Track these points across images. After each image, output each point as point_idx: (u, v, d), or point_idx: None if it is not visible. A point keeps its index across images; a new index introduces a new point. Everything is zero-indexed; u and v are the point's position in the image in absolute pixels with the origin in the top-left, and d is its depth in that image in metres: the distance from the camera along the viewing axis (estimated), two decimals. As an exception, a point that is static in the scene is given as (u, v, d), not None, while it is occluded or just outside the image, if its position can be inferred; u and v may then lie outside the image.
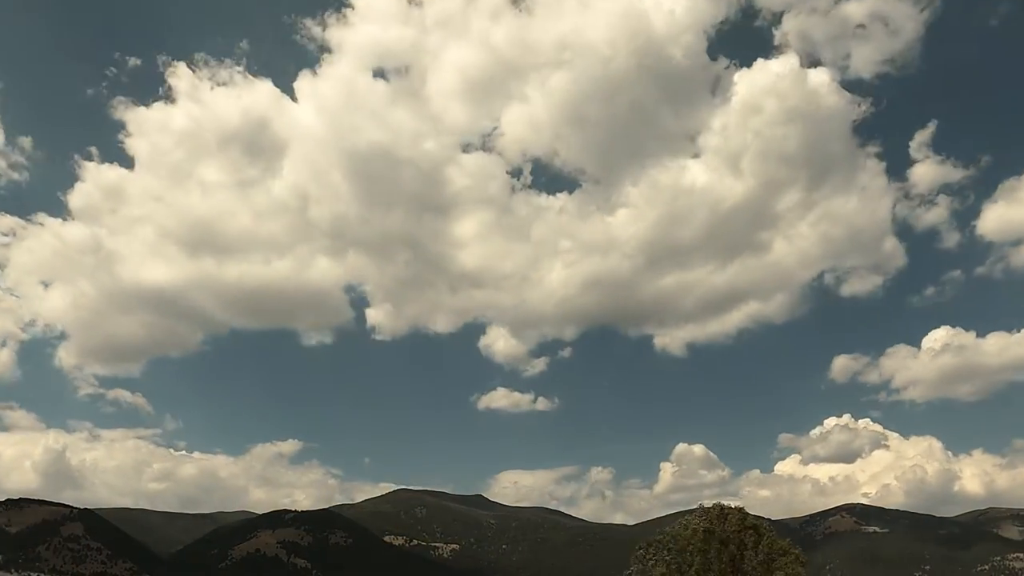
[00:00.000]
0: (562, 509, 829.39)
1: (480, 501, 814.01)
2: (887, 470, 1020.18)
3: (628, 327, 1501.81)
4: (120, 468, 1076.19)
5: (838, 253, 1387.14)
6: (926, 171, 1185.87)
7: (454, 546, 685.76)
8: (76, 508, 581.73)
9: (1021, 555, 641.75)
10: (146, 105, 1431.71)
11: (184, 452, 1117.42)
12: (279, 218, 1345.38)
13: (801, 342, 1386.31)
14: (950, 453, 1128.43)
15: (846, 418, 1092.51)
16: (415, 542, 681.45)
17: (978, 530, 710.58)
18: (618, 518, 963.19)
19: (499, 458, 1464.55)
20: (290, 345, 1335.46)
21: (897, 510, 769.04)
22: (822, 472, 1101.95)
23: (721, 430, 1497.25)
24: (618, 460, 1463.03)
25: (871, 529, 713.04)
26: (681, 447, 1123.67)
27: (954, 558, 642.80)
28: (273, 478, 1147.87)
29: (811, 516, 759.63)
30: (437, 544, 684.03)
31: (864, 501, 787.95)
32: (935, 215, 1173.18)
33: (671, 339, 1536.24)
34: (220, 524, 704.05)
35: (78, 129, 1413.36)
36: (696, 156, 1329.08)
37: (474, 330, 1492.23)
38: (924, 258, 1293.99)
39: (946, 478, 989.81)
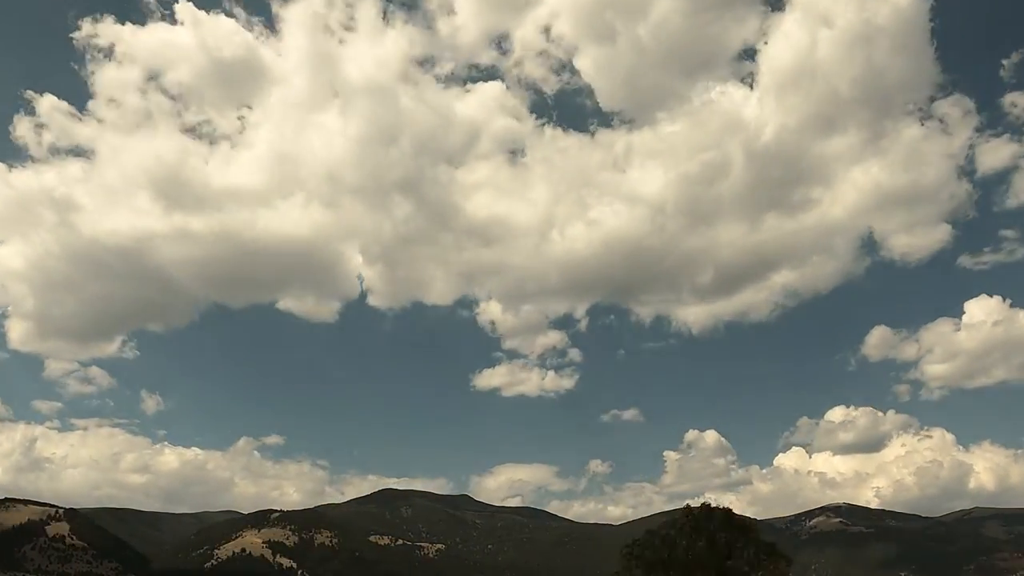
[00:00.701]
0: (552, 507, 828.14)
1: (466, 501, 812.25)
2: (904, 462, 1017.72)
3: (644, 296, 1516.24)
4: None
5: (890, 206, 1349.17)
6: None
7: (439, 546, 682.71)
8: (61, 508, 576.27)
9: (1007, 555, 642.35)
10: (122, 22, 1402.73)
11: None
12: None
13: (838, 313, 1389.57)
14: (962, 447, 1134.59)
15: (867, 408, 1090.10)
16: (400, 542, 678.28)
17: (963, 530, 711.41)
18: (617, 513, 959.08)
19: (496, 450, 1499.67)
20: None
21: (882, 510, 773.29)
22: (833, 464, 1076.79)
23: (735, 416, 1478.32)
24: (621, 451, 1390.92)
25: (856, 529, 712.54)
26: (692, 434, 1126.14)
27: (940, 558, 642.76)
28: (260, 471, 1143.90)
29: (796, 516, 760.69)
30: (423, 544, 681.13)
31: (870, 495, 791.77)
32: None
33: (692, 313, 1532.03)
34: (205, 523, 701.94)
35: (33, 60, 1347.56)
36: (742, 81, 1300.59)
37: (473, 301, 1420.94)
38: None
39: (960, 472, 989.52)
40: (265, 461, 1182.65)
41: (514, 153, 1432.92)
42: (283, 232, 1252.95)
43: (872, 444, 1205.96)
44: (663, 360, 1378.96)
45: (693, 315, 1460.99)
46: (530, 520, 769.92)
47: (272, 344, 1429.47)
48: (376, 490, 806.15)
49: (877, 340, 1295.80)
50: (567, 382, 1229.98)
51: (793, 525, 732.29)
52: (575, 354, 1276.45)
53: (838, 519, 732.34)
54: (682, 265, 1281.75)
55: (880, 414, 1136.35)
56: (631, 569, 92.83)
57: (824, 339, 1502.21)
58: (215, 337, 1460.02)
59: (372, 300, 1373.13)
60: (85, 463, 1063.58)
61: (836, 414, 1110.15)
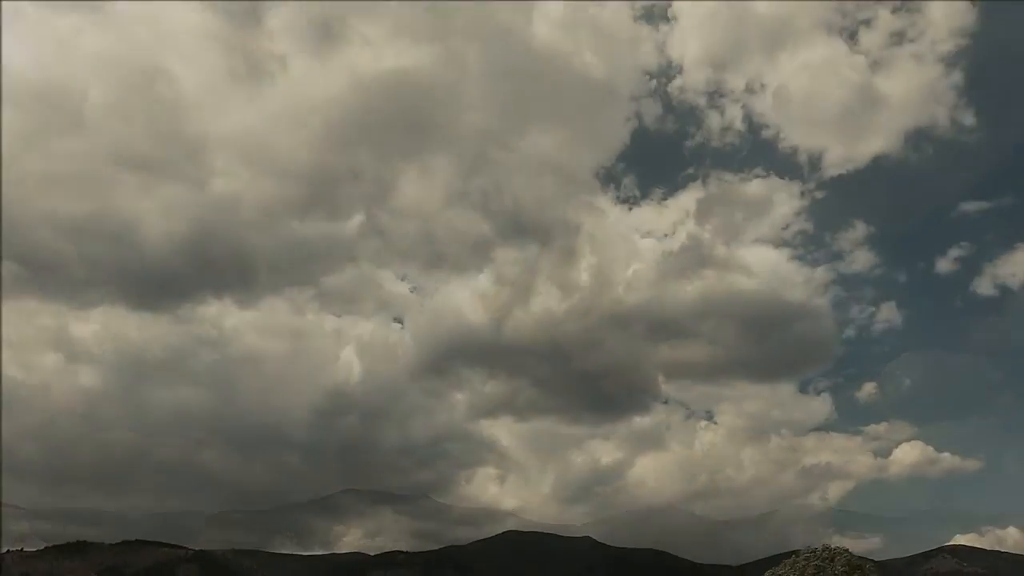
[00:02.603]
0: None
1: (588, 541, 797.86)
2: None
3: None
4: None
5: None
6: None
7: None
8: (192, 549, 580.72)
9: None
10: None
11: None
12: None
13: None
14: None
15: None
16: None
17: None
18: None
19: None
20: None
21: (998, 551, 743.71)
22: None
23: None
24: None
25: (972, 570, 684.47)
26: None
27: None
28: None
29: (913, 557, 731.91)
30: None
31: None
32: None
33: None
34: (333, 564, 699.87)
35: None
36: None
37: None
38: None
39: None
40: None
41: None
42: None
43: None
44: None
45: None
46: (654, 561, 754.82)
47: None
48: (500, 531, 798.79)
49: None
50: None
51: (911, 566, 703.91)
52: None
53: (955, 559, 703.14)
54: None
55: None
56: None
57: None
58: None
59: None
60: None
61: None
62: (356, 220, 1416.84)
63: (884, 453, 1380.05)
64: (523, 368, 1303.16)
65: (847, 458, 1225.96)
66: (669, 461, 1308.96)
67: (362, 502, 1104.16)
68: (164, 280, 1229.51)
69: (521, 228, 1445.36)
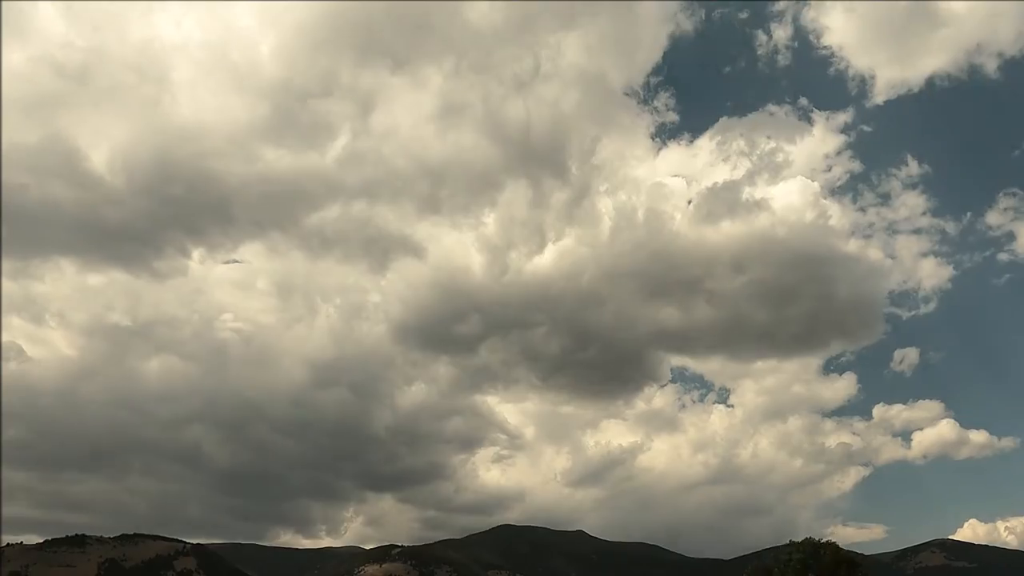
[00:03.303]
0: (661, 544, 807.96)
1: (581, 536, 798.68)
2: None
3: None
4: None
5: None
6: None
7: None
8: (189, 543, 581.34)
9: None
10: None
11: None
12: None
13: None
14: None
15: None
16: (518, 575, 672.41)
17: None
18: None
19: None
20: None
21: (986, 546, 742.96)
22: None
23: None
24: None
25: (960, 564, 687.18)
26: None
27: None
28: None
29: (902, 551, 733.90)
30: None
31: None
32: None
33: None
34: (328, 558, 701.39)
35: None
36: None
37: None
38: None
39: None
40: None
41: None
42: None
43: None
44: None
45: None
46: (645, 554, 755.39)
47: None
48: (495, 526, 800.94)
49: None
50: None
51: (899, 560, 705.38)
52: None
53: (943, 555, 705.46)
54: None
55: None
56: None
57: None
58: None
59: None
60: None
61: None
62: (337, 147, 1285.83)
63: (910, 434, 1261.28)
64: (525, 333, 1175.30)
65: (871, 439, 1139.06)
66: (681, 443, 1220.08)
67: (360, 489, 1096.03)
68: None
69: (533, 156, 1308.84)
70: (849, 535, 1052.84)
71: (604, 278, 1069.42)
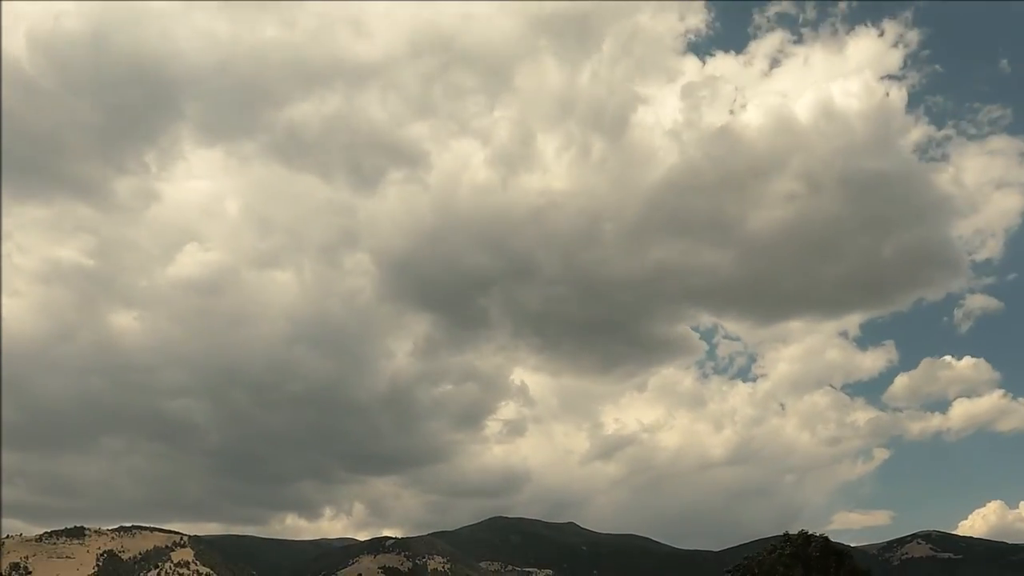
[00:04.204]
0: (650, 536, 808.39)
1: (572, 528, 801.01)
2: None
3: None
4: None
5: None
6: None
7: (547, 571, 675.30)
8: (186, 534, 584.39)
9: None
10: None
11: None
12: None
13: None
14: None
15: None
16: (510, 567, 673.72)
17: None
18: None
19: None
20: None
21: (971, 537, 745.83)
22: None
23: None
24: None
25: (946, 556, 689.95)
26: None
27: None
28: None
29: (889, 543, 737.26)
30: (531, 569, 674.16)
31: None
32: None
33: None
34: (324, 549, 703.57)
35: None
36: None
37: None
38: None
39: None
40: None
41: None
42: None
43: None
44: None
45: None
46: (634, 546, 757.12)
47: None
48: (487, 518, 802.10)
49: None
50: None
51: (885, 552, 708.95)
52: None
53: (929, 546, 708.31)
54: None
55: None
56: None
57: None
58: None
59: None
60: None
61: None
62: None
63: (950, 403, 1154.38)
64: (527, 288, 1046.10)
65: (905, 413, 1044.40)
66: (699, 418, 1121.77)
67: (361, 473, 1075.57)
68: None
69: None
70: (853, 521, 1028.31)
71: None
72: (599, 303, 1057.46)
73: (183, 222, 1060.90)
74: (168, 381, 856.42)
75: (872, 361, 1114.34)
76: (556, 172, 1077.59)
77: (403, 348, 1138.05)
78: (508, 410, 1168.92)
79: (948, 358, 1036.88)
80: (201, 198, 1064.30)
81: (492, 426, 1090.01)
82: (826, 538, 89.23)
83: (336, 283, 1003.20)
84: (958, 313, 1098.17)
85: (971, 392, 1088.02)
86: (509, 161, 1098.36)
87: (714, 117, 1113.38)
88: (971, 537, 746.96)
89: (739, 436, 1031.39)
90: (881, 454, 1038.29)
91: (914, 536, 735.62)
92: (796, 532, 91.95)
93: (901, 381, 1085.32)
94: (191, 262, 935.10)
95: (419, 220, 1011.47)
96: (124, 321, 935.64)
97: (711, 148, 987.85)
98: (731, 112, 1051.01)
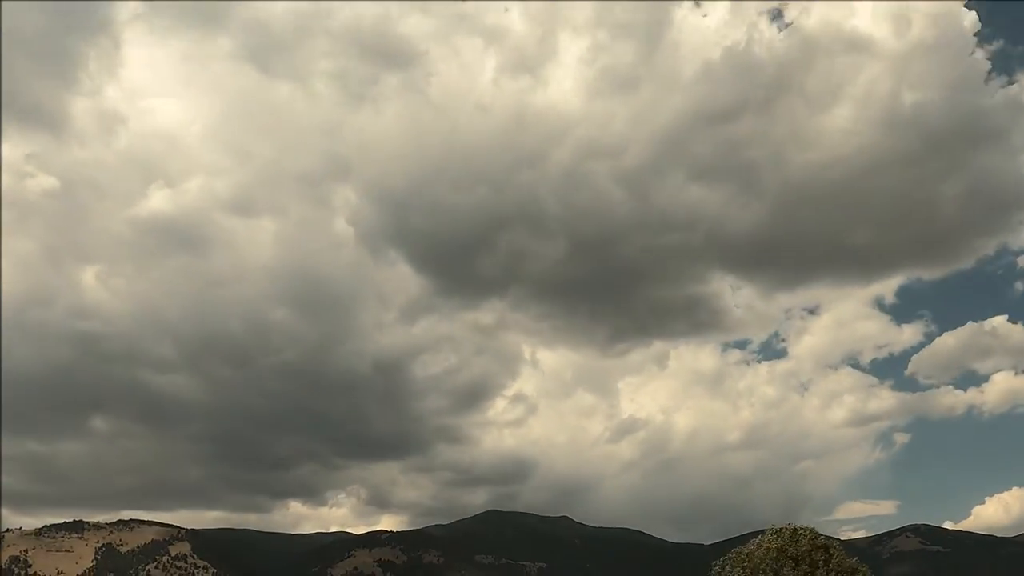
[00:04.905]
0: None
1: (565, 522, 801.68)
2: None
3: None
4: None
5: None
6: None
7: (541, 564, 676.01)
8: (183, 528, 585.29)
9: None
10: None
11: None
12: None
13: None
14: None
15: None
16: (504, 560, 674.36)
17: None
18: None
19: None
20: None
21: (959, 531, 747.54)
22: None
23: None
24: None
25: (934, 549, 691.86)
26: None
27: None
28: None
29: (878, 536, 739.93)
30: (525, 563, 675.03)
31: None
32: None
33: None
34: (320, 543, 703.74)
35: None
36: None
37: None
38: None
39: None
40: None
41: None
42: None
43: None
44: None
45: None
46: (627, 539, 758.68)
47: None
48: (482, 511, 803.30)
49: None
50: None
51: (875, 545, 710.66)
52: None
53: (918, 539, 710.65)
54: None
55: None
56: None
57: None
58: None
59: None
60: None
61: None
62: None
63: (987, 377, 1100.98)
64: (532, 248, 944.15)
65: (934, 392, 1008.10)
66: (717, 397, 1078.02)
67: (365, 459, 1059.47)
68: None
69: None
70: (857, 511, 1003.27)
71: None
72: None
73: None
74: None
75: (909, 333, 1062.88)
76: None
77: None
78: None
79: (995, 321, 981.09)
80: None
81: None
82: (813, 530, 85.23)
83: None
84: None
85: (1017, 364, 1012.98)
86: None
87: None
88: (960, 531, 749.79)
89: (755, 418, 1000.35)
90: (901, 438, 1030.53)
91: (903, 530, 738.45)
92: (783, 525, 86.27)
93: (935, 349, 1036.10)
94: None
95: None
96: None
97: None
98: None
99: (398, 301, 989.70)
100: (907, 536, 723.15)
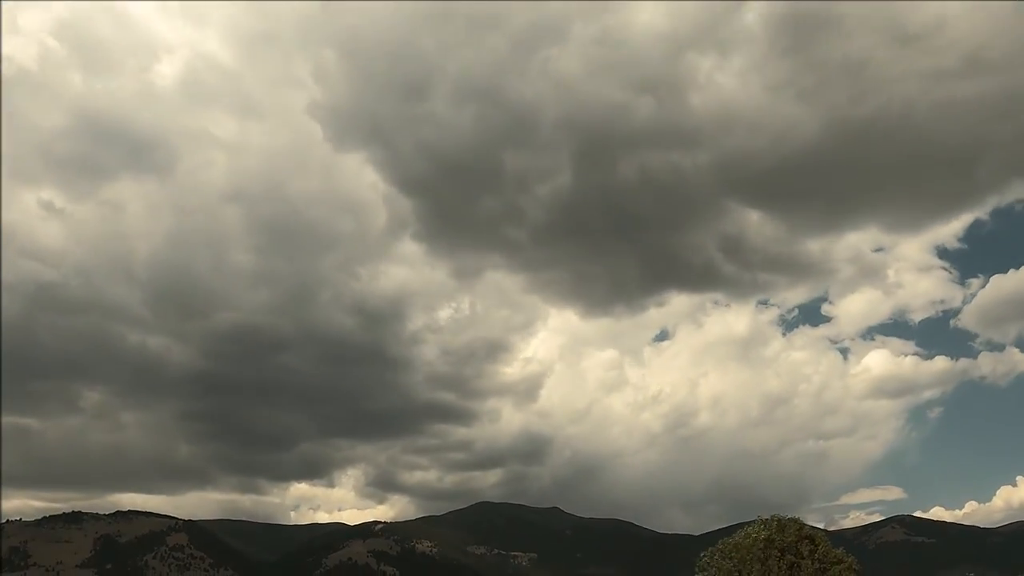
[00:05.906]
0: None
1: (556, 512, 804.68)
2: None
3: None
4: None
5: None
6: None
7: (532, 555, 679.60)
8: (181, 519, 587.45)
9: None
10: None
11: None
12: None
13: None
14: None
15: None
16: (496, 551, 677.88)
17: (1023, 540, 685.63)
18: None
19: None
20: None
21: (944, 522, 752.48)
22: None
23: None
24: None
25: (919, 540, 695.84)
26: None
27: (1001, 569, 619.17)
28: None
29: (864, 527, 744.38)
30: (516, 553, 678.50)
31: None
32: None
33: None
34: (315, 534, 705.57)
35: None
36: None
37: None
38: None
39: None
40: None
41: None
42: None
43: None
44: None
45: None
46: (617, 530, 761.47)
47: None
48: (474, 503, 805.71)
49: None
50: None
51: (861, 536, 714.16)
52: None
53: (903, 530, 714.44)
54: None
55: None
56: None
57: None
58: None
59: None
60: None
61: None
62: None
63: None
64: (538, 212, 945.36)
65: (981, 358, 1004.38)
66: (737, 370, 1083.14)
67: (369, 440, 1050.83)
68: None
69: None
70: (862, 497, 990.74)
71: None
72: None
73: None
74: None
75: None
76: None
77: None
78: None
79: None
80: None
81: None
82: (799, 521, 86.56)
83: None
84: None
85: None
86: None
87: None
88: (945, 522, 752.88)
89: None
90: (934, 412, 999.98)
91: (889, 521, 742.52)
92: (769, 516, 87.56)
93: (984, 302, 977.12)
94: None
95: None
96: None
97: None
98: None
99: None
100: (892, 527, 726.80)
